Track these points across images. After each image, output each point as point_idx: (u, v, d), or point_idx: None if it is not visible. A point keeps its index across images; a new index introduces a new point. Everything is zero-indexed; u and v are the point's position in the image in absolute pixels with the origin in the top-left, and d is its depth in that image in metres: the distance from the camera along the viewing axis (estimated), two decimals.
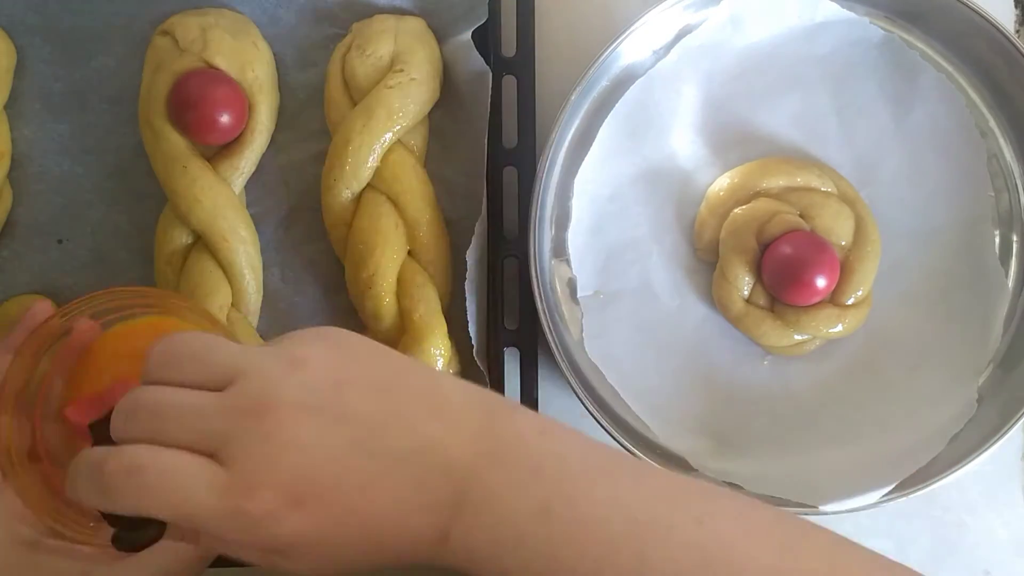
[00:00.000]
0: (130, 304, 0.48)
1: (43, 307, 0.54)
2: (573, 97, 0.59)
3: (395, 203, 0.59)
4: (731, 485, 0.58)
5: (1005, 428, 0.57)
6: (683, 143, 0.62)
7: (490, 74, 0.58)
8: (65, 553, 0.45)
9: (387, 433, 0.35)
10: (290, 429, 0.34)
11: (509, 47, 0.61)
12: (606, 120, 0.60)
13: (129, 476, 0.34)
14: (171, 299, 0.49)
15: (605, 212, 0.61)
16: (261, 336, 0.60)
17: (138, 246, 0.61)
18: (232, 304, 0.59)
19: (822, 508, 0.56)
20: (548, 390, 0.62)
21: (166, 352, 0.36)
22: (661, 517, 0.34)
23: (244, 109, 0.59)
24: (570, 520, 0.34)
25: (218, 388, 0.35)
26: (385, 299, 0.58)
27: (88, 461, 0.35)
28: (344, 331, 0.38)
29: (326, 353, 0.36)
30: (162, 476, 0.33)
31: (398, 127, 0.58)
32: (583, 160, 0.60)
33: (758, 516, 0.36)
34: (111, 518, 0.36)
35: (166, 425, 0.34)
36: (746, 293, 0.60)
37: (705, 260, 0.62)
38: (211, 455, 0.34)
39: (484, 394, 0.37)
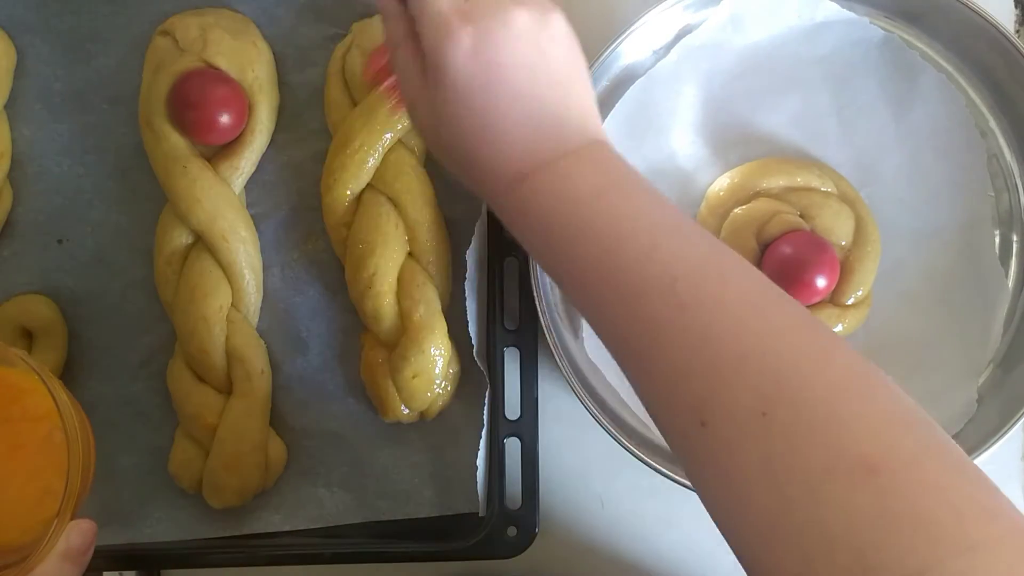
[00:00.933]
0: None
1: None
2: None
3: (395, 203, 0.59)
4: None
5: (1005, 428, 0.57)
6: (683, 143, 0.62)
7: None
8: None
9: (552, 88, 0.42)
10: (516, 20, 0.42)
11: None
12: (606, 120, 0.60)
13: None
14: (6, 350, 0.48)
15: None
16: (261, 336, 0.60)
17: (138, 246, 0.61)
18: (232, 304, 0.59)
19: None
20: (548, 390, 0.62)
21: None
22: (682, 225, 0.40)
23: (244, 109, 0.59)
24: (613, 207, 0.40)
25: None
26: (385, 299, 0.58)
27: None
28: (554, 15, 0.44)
29: (564, 23, 0.44)
30: None
31: (398, 127, 0.58)
32: None
33: (760, 277, 0.39)
34: None
35: None
36: None
37: None
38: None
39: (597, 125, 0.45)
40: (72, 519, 0.46)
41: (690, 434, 0.36)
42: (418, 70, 0.44)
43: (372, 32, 0.60)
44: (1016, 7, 0.66)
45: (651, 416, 0.40)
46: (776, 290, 0.38)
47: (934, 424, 0.34)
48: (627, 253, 0.39)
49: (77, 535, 0.46)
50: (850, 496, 0.31)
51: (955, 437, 0.58)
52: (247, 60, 0.59)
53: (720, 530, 0.36)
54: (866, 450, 0.32)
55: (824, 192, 0.60)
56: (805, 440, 0.33)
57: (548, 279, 0.60)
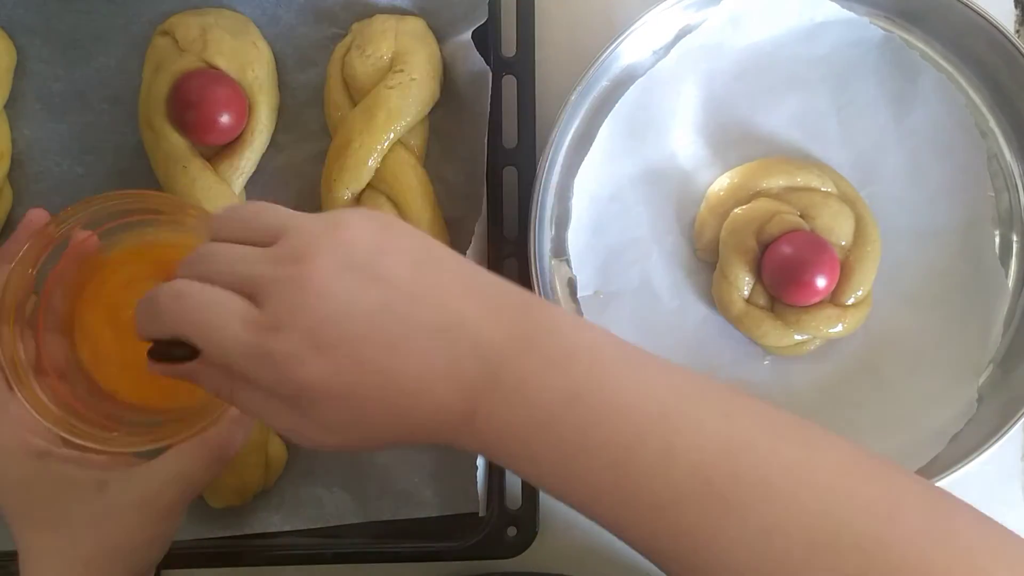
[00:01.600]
0: (129, 209, 0.48)
1: (39, 214, 0.50)
2: (573, 97, 0.59)
3: (395, 203, 0.59)
4: None
5: (1005, 428, 0.57)
6: (683, 143, 0.62)
7: (490, 74, 0.58)
8: (79, 461, 0.47)
9: (421, 303, 0.35)
10: (324, 280, 0.34)
11: (509, 47, 0.61)
12: (606, 120, 0.60)
13: (174, 301, 0.36)
14: (171, 204, 0.47)
15: (605, 212, 0.61)
16: None
17: None
18: None
19: None
20: None
21: (222, 219, 0.39)
22: (689, 409, 0.34)
23: (244, 109, 0.59)
24: (600, 406, 0.34)
25: (265, 246, 0.37)
26: None
27: (146, 296, 0.37)
28: (392, 216, 0.39)
29: (369, 224, 0.36)
30: (202, 304, 0.36)
31: (398, 127, 0.58)
32: (583, 160, 0.60)
33: (781, 417, 0.35)
34: (156, 350, 0.38)
35: (214, 267, 0.37)
36: (746, 293, 0.60)
37: (705, 260, 0.62)
38: (250, 296, 0.35)
39: (518, 287, 0.37)
40: None
41: None
42: (266, 398, 0.36)
43: (372, 32, 0.60)
44: (1016, 7, 0.66)
45: None
46: (822, 440, 0.34)
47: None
48: (639, 462, 0.33)
49: None
50: None
51: (955, 437, 0.58)
52: (247, 60, 0.59)
53: None
54: None
55: (824, 192, 0.60)
56: None
57: (548, 279, 0.61)
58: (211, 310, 0.36)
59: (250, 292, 0.36)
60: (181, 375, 0.38)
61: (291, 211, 0.38)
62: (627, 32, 0.58)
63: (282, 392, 0.35)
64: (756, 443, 0.33)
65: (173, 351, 0.37)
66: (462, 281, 0.36)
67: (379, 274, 0.35)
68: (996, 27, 0.58)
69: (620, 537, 0.36)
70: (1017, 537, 0.33)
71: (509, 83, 0.61)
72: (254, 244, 0.37)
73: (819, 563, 0.31)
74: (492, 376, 0.34)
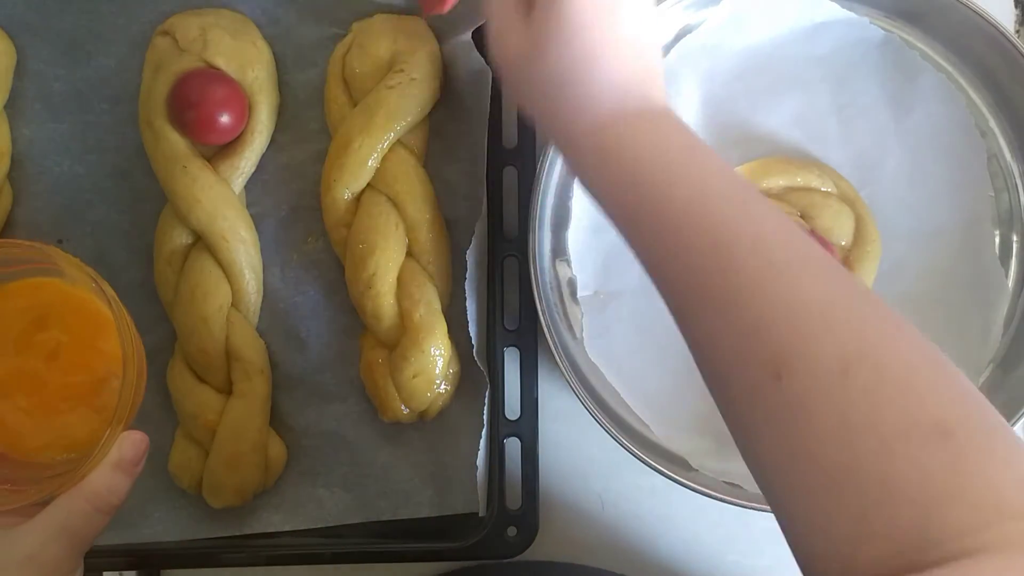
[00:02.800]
0: (14, 258, 0.49)
1: None
2: None
3: (395, 203, 0.59)
4: (731, 485, 0.58)
5: None
6: None
7: (490, 74, 0.58)
8: None
9: (652, 45, 0.44)
10: None
11: None
12: None
13: None
14: (56, 256, 0.48)
15: None
16: (261, 336, 0.60)
17: (138, 246, 0.61)
18: (232, 304, 0.59)
19: None
20: (548, 390, 0.62)
21: None
22: (763, 197, 0.41)
23: (244, 109, 0.59)
24: (702, 163, 0.41)
25: None
26: (385, 299, 0.58)
27: None
28: None
29: None
30: None
31: (398, 127, 0.58)
32: None
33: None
34: None
35: None
36: None
37: None
38: None
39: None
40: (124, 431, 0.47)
41: (762, 387, 0.37)
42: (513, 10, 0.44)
43: (372, 32, 0.60)
44: (1016, 7, 0.66)
45: (711, 372, 0.41)
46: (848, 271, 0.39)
47: (991, 405, 0.37)
48: (719, 205, 0.39)
49: (129, 446, 0.46)
50: (922, 456, 0.33)
51: None
52: (247, 60, 0.59)
53: (769, 489, 0.37)
54: (942, 415, 0.34)
55: (824, 192, 0.60)
56: (885, 400, 0.34)
57: (548, 279, 0.60)
58: None
59: None
60: None
61: None
62: None
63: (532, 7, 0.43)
64: (807, 240, 0.39)
65: None
66: (655, 35, 0.46)
67: (647, 10, 0.44)
68: (996, 27, 0.58)
69: (665, 275, 0.42)
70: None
71: None
72: None
73: (830, 330, 0.36)
74: (645, 108, 0.43)
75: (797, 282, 0.37)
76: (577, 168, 0.44)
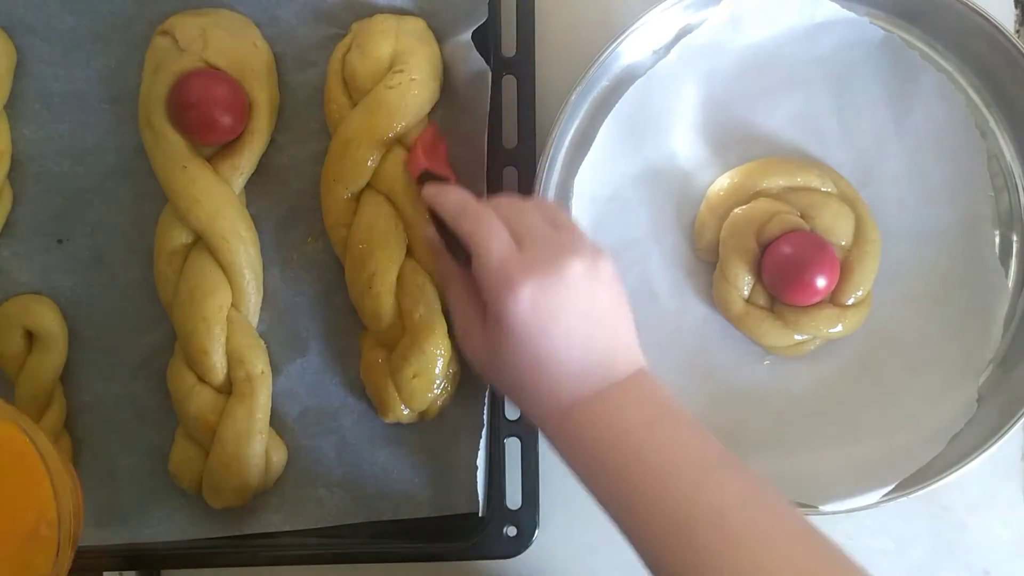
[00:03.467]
0: None
1: None
2: (573, 97, 0.59)
3: (395, 203, 0.59)
4: None
5: (1005, 428, 0.57)
6: (683, 143, 0.62)
7: (490, 74, 0.58)
8: None
9: (600, 328, 0.46)
10: (569, 271, 0.45)
11: (509, 47, 0.61)
12: (606, 120, 0.60)
13: (476, 216, 0.48)
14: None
15: (605, 212, 0.61)
16: (261, 336, 0.60)
17: (138, 246, 0.61)
18: (232, 304, 0.59)
19: (822, 508, 0.56)
20: None
21: (532, 201, 0.51)
22: (726, 464, 0.44)
23: (244, 109, 0.59)
24: (662, 440, 0.44)
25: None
26: (385, 299, 0.58)
27: (461, 195, 0.50)
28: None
29: (611, 264, 0.48)
30: (490, 228, 0.47)
31: (398, 127, 0.58)
32: (583, 160, 0.60)
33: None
34: (445, 233, 0.51)
35: (512, 215, 0.48)
36: (746, 293, 0.60)
37: (705, 260, 0.62)
38: (518, 241, 0.47)
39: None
40: None
41: None
42: (473, 307, 0.49)
43: (372, 32, 0.60)
44: (1016, 7, 0.66)
45: None
46: (813, 528, 0.42)
47: None
48: (678, 484, 0.42)
49: None
50: None
51: (955, 437, 0.58)
52: (247, 60, 0.59)
53: None
54: None
55: (824, 192, 0.60)
56: None
57: None
58: (494, 237, 0.47)
59: (520, 238, 0.47)
60: (435, 250, 0.53)
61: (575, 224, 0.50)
62: (627, 32, 0.58)
63: (491, 308, 0.46)
64: (770, 508, 0.42)
65: (458, 248, 0.49)
66: (628, 327, 0.48)
67: (596, 293, 0.46)
68: (996, 27, 0.58)
69: (638, 548, 0.43)
70: None
71: (509, 83, 0.61)
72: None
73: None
74: (606, 387, 0.45)
75: (761, 555, 0.40)
76: (553, 448, 0.47)
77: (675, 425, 0.45)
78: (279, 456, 0.60)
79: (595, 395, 0.45)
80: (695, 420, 0.45)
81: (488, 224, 0.47)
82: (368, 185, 0.59)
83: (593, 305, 0.46)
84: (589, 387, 0.45)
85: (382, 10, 0.61)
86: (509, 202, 0.50)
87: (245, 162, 0.60)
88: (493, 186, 0.60)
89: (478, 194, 0.58)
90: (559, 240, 0.47)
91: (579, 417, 0.45)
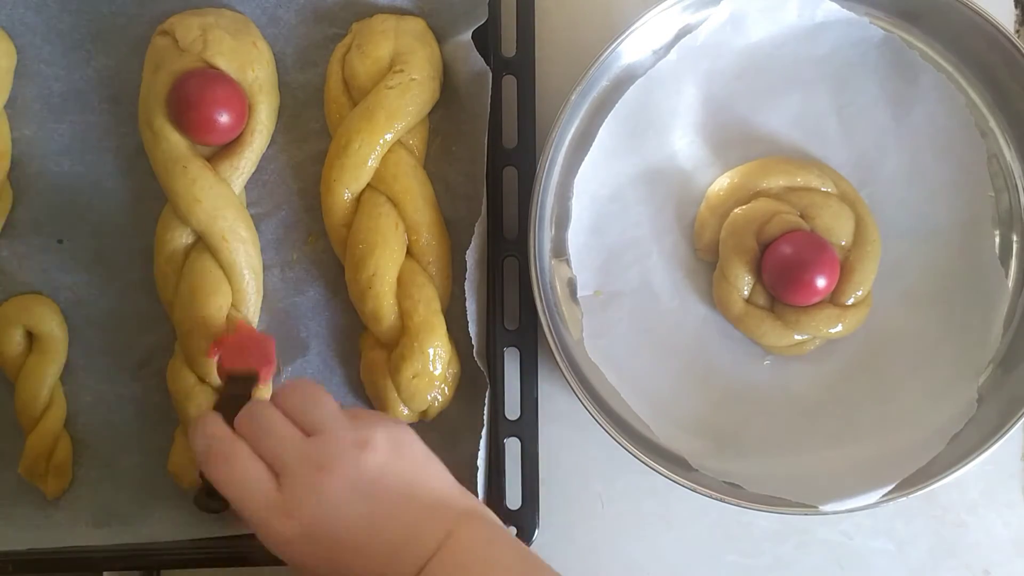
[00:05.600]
0: None
1: None
2: (573, 97, 0.59)
3: (395, 203, 0.59)
4: (731, 485, 0.58)
5: (1005, 428, 0.57)
6: (683, 143, 0.62)
7: (490, 74, 0.58)
8: None
9: (392, 524, 0.46)
10: (331, 491, 0.45)
11: (509, 47, 0.61)
12: (606, 120, 0.60)
13: (224, 462, 0.47)
14: None
15: (605, 212, 0.61)
16: None
17: (138, 246, 0.61)
18: (232, 304, 0.59)
19: (822, 508, 0.56)
20: (548, 390, 0.62)
21: (285, 391, 0.50)
22: None
23: (244, 109, 0.59)
24: None
25: (308, 432, 0.48)
26: (385, 299, 0.58)
27: (211, 432, 0.48)
28: (410, 434, 0.49)
29: (387, 442, 0.47)
30: (242, 474, 0.46)
31: (398, 127, 0.58)
32: (583, 160, 0.60)
33: None
34: (203, 504, 0.50)
35: (265, 440, 0.47)
36: (746, 293, 0.60)
37: (705, 260, 0.62)
38: (278, 474, 0.46)
39: (465, 503, 0.48)
40: None
41: None
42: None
43: (372, 32, 0.60)
44: (1016, 7, 0.66)
45: None
46: None
47: None
48: None
49: None
50: None
51: (955, 437, 0.58)
52: (247, 60, 0.59)
53: None
54: None
55: (824, 192, 0.60)
56: None
57: (548, 279, 0.60)
58: (244, 484, 0.46)
59: (279, 471, 0.46)
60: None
61: (336, 411, 0.49)
62: (627, 32, 0.58)
63: (272, 550, 0.46)
64: None
65: (214, 502, 0.49)
66: (429, 499, 0.47)
67: (375, 494, 0.46)
68: (996, 27, 0.58)
69: None
70: None
71: (509, 83, 0.61)
72: (300, 424, 0.48)
73: None
74: (422, 573, 0.44)
75: None
76: None
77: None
78: None
79: None
80: (523, 561, 0.46)
81: (236, 470, 0.46)
82: (368, 185, 0.59)
83: (373, 504, 0.45)
84: None
85: (382, 10, 0.61)
86: (257, 416, 0.48)
87: (245, 162, 0.60)
88: (493, 186, 0.60)
89: (478, 194, 0.58)
90: (317, 454, 0.46)
91: None
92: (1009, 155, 0.62)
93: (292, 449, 0.47)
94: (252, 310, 0.60)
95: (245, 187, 0.61)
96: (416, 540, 0.45)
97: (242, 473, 0.46)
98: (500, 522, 0.49)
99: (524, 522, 0.59)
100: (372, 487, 0.46)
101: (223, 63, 0.59)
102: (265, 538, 0.46)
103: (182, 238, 0.59)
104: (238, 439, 0.48)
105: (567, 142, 0.61)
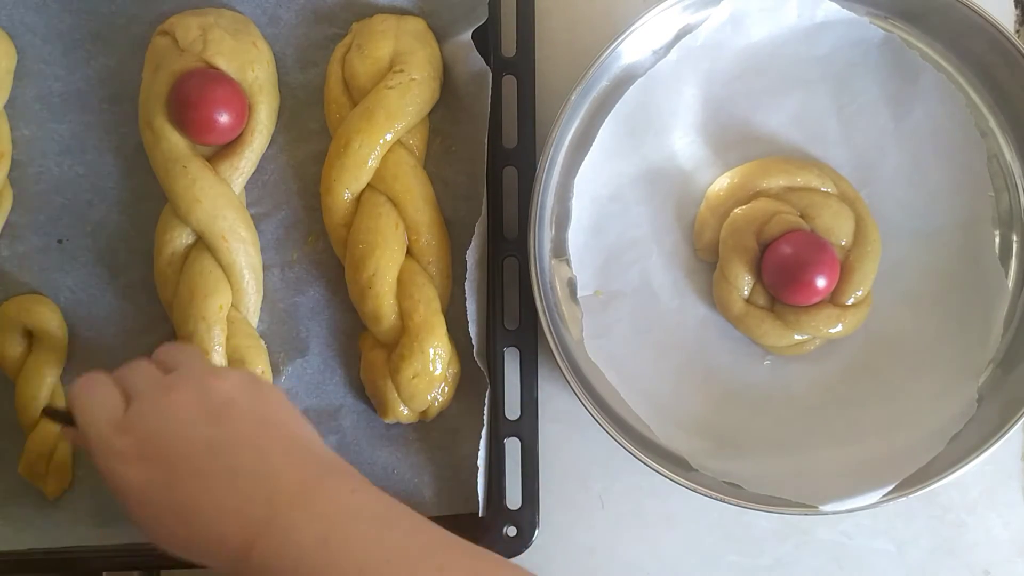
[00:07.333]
0: None
1: None
2: (573, 97, 0.59)
3: (395, 203, 0.59)
4: (731, 485, 0.58)
5: (1005, 428, 0.57)
6: (683, 143, 0.62)
7: (490, 74, 0.58)
8: None
9: (241, 452, 0.43)
10: (174, 406, 0.44)
11: (509, 47, 0.61)
12: (606, 120, 0.60)
13: (84, 386, 0.47)
14: None
15: (605, 212, 0.61)
16: (261, 337, 0.60)
17: (138, 246, 0.61)
18: (232, 304, 0.59)
19: (822, 508, 0.56)
20: (548, 390, 0.62)
21: (163, 350, 0.51)
22: (412, 560, 0.42)
23: (244, 109, 0.59)
24: (339, 551, 0.41)
25: (169, 372, 0.47)
26: (385, 299, 0.58)
27: (81, 378, 0.48)
28: (273, 387, 0.48)
29: (241, 381, 0.46)
30: (91, 399, 0.46)
31: (398, 127, 0.58)
32: (583, 160, 0.60)
33: (490, 571, 0.43)
34: (51, 411, 0.53)
35: (127, 374, 0.47)
36: (746, 293, 0.60)
37: (705, 260, 0.62)
38: (127, 400, 0.46)
39: (330, 454, 0.46)
40: None
41: None
42: (107, 485, 0.45)
43: (372, 32, 0.60)
44: (1016, 7, 0.66)
45: None
46: None
47: None
48: None
49: None
50: None
51: (955, 437, 0.58)
52: (247, 60, 0.59)
53: None
54: None
55: (824, 192, 0.60)
56: None
57: (548, 279, 0.61)
58: (93, 404, 0.46)
59: (131, 397, 0.46)
60: (61, 430, 0.51)
61: (200, 355, 0.51)
62: (627, 32, 0.58)
63: (109, 485, 0.44)
64: (441, 565, 0.42)
65: (62, 416, 0.50)
66: (286, 442, 0.45)
67: (221, 418, 0.44)
68: (996, 27, 0.58)
69: None
70: None
71: (509, 83, 0.61)
72: (162, 364, 0.48)
73: None
74: (271, 520, 0.41)
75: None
76: None
77: (347, 535, 0.41)
78: None
79: (264, 529, 0.41)
80: (395, 514, 0.44)
81: (94, 393, 0.46)
82: (368, 185, 0.59)
83: (219, 433, 0.43)
84: (255, 522, 0.41)
85: (382, 10, 0.61)
86: (125, 367, 0.48)
87: (245, 162, 0.60)
88: (493, 186, 0.60)
89: (478, 194, 0.58)
90: (170, 380, 0.45)
91: (256, 557, 0.41)
92: (1009, 155, 0.62)
93: (147, 378, 0.47)
94: (252, 310, 0.60)
95: (245, 187, 0.61)
96: (268, 478, 0.42)
97: (98, 396, 0.46)
98: (367, 480, 0.46)
99: (524, 522, 0.59)
100: (220, 411, 0.44)
101: (223, 63, 0.59)
102: (104, 458, 0.44)
103: (182, 238, 0.59)
104: (105, 374, 0.48)
105: (567, 142, 0.61)
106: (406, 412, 0.59)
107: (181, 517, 0.42)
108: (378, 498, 0.45)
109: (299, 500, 0.42)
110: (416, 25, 0.60)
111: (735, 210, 0.60)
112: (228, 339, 0.58)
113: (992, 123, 0.62)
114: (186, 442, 0.43)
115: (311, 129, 0.62)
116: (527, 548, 0.59)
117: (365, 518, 0.43)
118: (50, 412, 0.52)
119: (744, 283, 0.60)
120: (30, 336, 0.60)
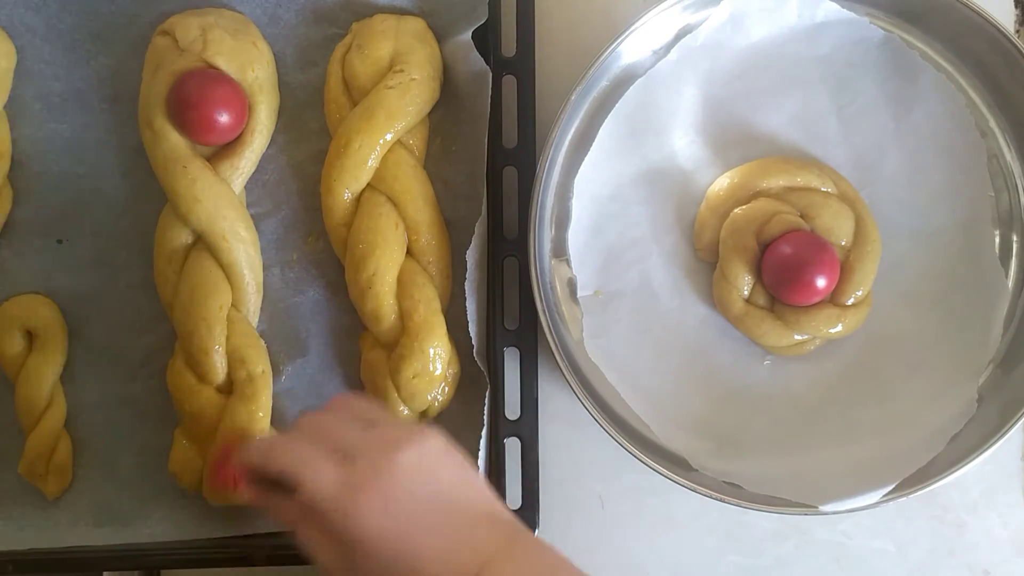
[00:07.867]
0: None
1: None
2: (573, 97, 0.59)
3: (395, 203, 0.59)
4: (731, 485, 0.58)
5: (1005, 428, 0.57)
6: (683, 143, 0.62)
7: (490, 74, 0.58)
8: None
9: (458, 501, 0.46)
10: (406, 463, 0.45)
11: (509, 47, 0.61)
12: (606, 120, 0.60)
13: (287, 443, 0.48)
14: None
15: (605, 212, 0.61)
16: (261, 336, 0.60)
17: (138, 246, 0.61)
18: (232, 304, 0.59)
19: (822, 508, 0.56)
20: (548, 390, 0.62)
21: (338, 401, 0.52)
22: None
23: (244, 109, 0.59)
24: None
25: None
26: (385, 299, 0.58)
27: (263, 439, 0.51)
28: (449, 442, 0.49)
29: (440, 439, 0.48)
30: (308, 453, 0.46)
31: (398, 127, 0.58)
32: (583, 160, 0.60)
33: None
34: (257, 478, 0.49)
35: (327, 433, 0.48)
36: (746, 293, 0.60)
37: (705, 260, 0.62)
38: (344, 458, 0.46)
39: (513, 518, 0.48)
40: None
41: None
42: (325, 540, 0.46)
43: (372, 32, 0.60)
44: (1016, 7, 0.66)
45: None
46: None
47: None
48: None
49: None
50: None
51: (955, 437, 0.58)
52: (247, 60, 0.59)
53: None
54: None
55: (824, 192, 0.60)
56: None
57: (548, 279, 0.61)
58: (314, 458, 0.46)
59: (345, 454, 0.46)
60: (267, 503, 0.49)
61: (384, 409, 0.53)
62: (627, 32, 0.58)
63: (345, 537, 0.44)
64: None
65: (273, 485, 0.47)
66: (484, 494, 0.48)
67: (438, 475, 0.46)
68: (996, 27, 0.58)
69: None
70: None
71: (509, 83, 0.61)
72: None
73: None
74: (486, 561, 0.44)
75: None
76: None
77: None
78: None
79: (496, 555, 0.44)
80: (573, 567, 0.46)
81: (301, 453, 0.46)
82: (368, 185, 0.59)
83: (437, 488, 0.46)
84: (469, 567, 0.44)
85: (382, 10, 0.61)
86: (311, 421, 0.49)
87: (245, 162, 0.60)
88: (493, 186, 0.60)
89: (478, 194, 0.58)
90: (380, 439, 0.47)
91: None
92: (1009, 155, 0.62)
93: (357, 432, 0.47)
94: (252, 310, 0.60)
95: (245, 187, 0.61)
96: (474, 535, 0.45)
97: (309, 450, 0.46)
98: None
99: (524, 522, 0.59)
100: (436, 469, 0.46)
101: (223, 63, 0.59)
102: (341, 512, 0.45)
103: (182, 238, 0.59)
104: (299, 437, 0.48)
105: (567, 142, 0.61)
106: (406, 412, 0.59)
107: (406, 568, 0.44)
108: (563, 558, 0.47)
109: (504, 554, 0.45)
110: (416, 25, 0.61)
111: (735, 210, 0.60)
112: (228, 339, 0.58)
113: (992, 123, 0.62)
114: (420, 496, 0.45)
115: (311, 129, 0.62)
116: None
117: (564, 568, 0.46)
118: (260, 482, 0.49)
119: (744, 283, 0.60)
120: (30, 336, 0.60)
